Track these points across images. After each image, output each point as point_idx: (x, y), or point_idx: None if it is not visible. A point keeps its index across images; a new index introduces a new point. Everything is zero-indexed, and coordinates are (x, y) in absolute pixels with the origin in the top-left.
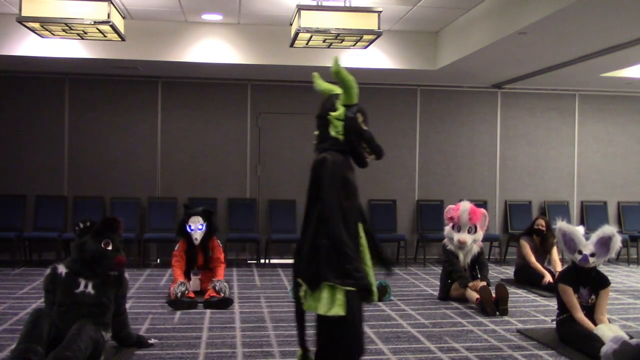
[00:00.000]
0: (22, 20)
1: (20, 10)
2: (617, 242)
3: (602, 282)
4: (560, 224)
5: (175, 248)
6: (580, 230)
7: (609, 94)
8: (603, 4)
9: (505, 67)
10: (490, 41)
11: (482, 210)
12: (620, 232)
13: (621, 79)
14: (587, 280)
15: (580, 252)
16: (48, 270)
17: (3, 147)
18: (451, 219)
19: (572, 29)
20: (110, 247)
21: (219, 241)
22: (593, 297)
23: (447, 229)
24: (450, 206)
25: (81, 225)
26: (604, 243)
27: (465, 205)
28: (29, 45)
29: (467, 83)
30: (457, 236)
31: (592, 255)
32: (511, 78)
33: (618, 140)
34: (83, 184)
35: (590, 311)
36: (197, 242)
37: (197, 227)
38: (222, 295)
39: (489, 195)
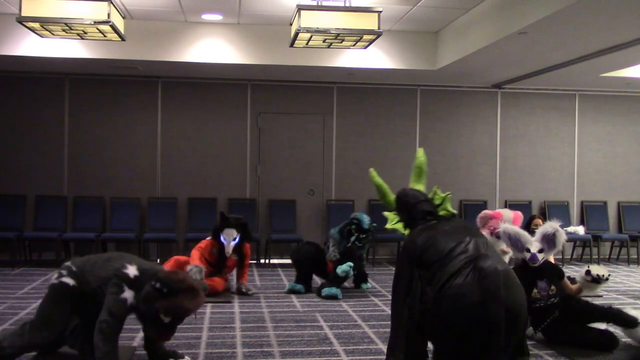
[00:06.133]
0: (22, 20)
1: (20, 10)
2: (562, 236)
3: (556, 274)
4: (504, 227)
5: (203, 241)
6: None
7: (609, 94)
8: (603, 4)
9: (505, 67)
10: (490, 41)
11: (520, 214)
12: (565, 226)
13: (621, 79)
14: (542, 273)
15: (528, 251)
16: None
17: (3, 147)
18: (495, 228)
19: (572, 29)
20: (166, 321)
21: (249, 246)
22: (553, 287)
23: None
24: (488, 212)
25: (157, 286)
26: (549, 240)
27: (509, 216)
28: (29, 45)
29: (467, 83)
30: (500, 245)
31: (540, 251)
32: (511, 78)
33: (618, 140)
34: (83, 184)
35: (561, 300)
36: (228, 255)
37: (230, 240)
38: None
39: (489, 195)
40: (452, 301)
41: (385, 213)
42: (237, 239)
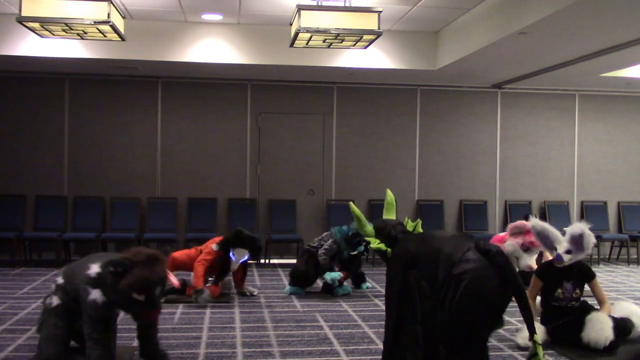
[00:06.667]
0: (22, 20)
1: (20, 10)
2: (589, 238)
3: (586, 275)
4: (534, 222)
5: (209, 250)
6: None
7: (609, 94)
8: (603, 4)
9: (505, 67)
10: (490, 41)
11: None
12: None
13: (621, 79)
14: (570, 274)
15: (555, 250)
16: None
17: (3, 147)
18: (531, 243)
19: (572, 29)
20: (142, 299)
21: None
22: (577, 290)
23: (513, 245)
24: (526, 224)
25: (111, 269)
26: (577, 241)
27: None
28: (29, 45)
29: (467, 83)
30: (527, 260)
31: (568, 252)
32: (511, 78)
33: (618, 140)
34: (83, 184)
35: (580, 306)
36: (232, 271)
37: (240, 259)
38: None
39: (489, 195)
40: (470, 282)
41: (368, 238)
42: (246, 259)
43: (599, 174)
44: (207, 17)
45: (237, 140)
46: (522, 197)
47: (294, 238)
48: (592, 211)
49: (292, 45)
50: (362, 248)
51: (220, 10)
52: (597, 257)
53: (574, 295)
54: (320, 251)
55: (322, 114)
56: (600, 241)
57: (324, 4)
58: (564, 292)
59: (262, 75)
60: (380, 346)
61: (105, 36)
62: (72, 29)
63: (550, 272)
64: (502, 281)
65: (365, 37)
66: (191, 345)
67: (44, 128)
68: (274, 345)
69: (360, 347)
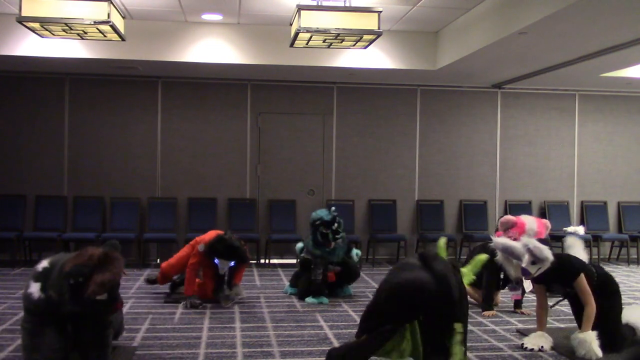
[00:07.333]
0: (22, 20)
1: (20, 10)
2: (539, 250)
3: (568, 277)
4: (495, 241)
5: (195, 252)
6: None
7: (609, 94)
8: (603, 4)
9: (505, 67)
10: (490, 41)
11: (546, 222)
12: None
13: (621, 79)
14: (554, 276)
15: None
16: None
17: (3, 147)
18: (516, 239)
19: (572, 29)
20: (104, 297)
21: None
22: (568, 289)
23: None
24: (511, 219)
25: (71, 282)
26: (533, 254)
27: (533, 225)
28: (29, 45)
29: (467, 83)
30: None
31: (533, 263)
32: (511, 78)
33: (618, 140)
34: (83, 184)
35: (578, 304)
36: (221, 272)
37: (224, 266)
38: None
39: (489, 195)
40: (397, 289)
41: None
42: (232, 265)
43: (599, 174)
44: (207, 17)
45: (237, 140)
46: (522, 197)
47: (294, 238)
48: (592, 211)
49: (292, 45)
50: (331, 236)
51: (220, 10)
52: (597, 257)
53: (567, 290)
54: (315, 272)
55: (322, 114)
56: (600, 241)
57: (324, 4)
58: (554, 291)
59: (262, 75)
60: None
61: (105, 36)
62: (72, 29)
63: (539, 275)
64: (437, 282)
65: (365, 37)
66: (191, 345)
67: (44, 128)
68: (274, 345)
69: None
